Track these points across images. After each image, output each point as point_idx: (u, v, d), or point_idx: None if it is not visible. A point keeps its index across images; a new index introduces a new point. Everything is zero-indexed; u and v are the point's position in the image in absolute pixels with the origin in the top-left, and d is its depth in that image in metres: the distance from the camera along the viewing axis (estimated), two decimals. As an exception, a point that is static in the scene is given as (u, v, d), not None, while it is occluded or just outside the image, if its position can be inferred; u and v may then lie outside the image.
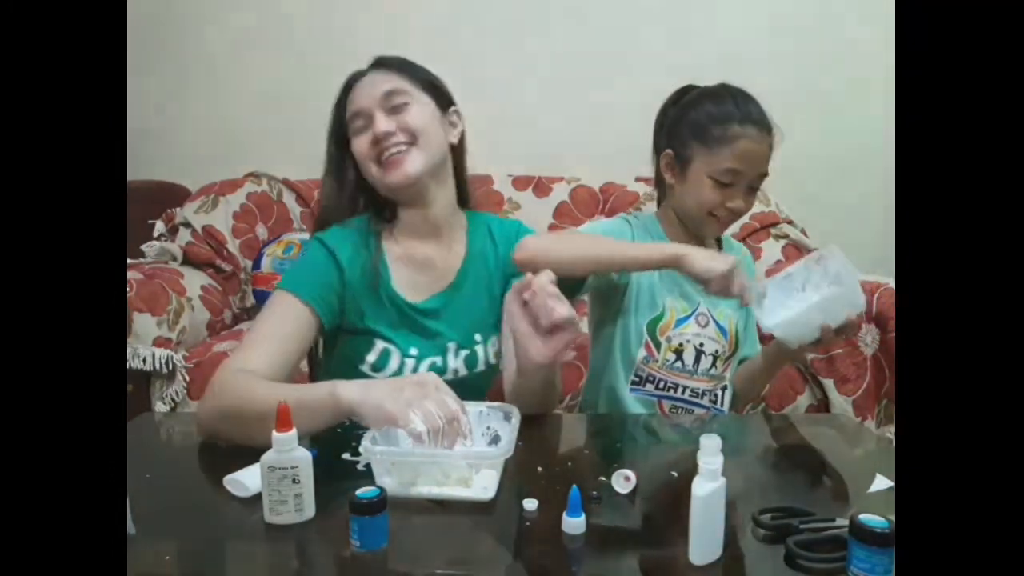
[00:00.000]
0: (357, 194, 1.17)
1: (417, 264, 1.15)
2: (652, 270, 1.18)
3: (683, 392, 1.24)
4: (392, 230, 1.16)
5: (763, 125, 1.16)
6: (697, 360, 1.23)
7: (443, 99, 1.18)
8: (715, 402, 1.26)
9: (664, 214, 1.28)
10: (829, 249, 1.05)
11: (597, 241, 1.17)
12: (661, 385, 1.23)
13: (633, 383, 1.24)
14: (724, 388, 1.27)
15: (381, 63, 1.17)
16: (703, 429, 1.12)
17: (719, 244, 1.32)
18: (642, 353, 1.23)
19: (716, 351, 1.24)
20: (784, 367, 1.30)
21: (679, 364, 1.23)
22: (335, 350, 1.14)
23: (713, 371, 1.24)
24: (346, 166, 1.16)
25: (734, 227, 2.15)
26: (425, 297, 1.14)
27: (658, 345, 1.23)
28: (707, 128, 1.16)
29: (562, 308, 0.91)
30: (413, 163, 1.10)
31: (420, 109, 1.13)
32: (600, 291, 1.27)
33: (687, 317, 1.24)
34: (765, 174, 1.18)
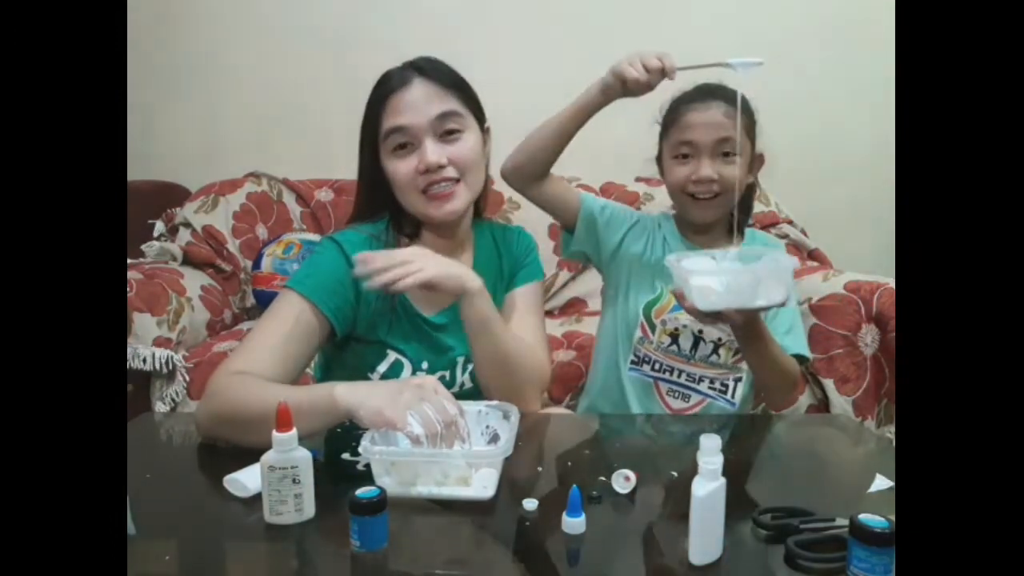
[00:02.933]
0: (388, 203, 1.11)
1: None
2: (603, 101, 1.14)
3: (679, 376, 1.25)
4: (409, 244, 1.13)
5: (709, 94, 1.19)
6: (695, 346, 1.24)
7: (483, 116, 1.12)
8: (724, 392, 1.24)
9: (678, 225, 1.32)
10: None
11: (546, 121, 1.17)
12: (657, 367, 1.25)
13: (632, 363, 1.26)
14: (739, 379, 1.25)
15: (428, 72, 1.06)
16: (703, 429, 1.11)
17: (741, 235, 1.30)
18: (638, 333, 1.26)
19: (719, 339, 1.24)
20: (753, 336, 1.14)
21: (675, 348, 1.24)
22: (342, 356, 1.12)
23: (715, 359, 1.24)
24: (380, 174, 1.08)
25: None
26: (436, 310, 1.13)
27: (653, 327, 1.25)
28: (664, 122, 1.26)
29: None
30: (460, 200, 1.06)
31: (472, 139, 1.07)
32: (594, 261, 1.32)
33: None
34: (728, 138, 1.17)
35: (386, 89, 1.06)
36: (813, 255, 2.20)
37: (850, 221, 2.45)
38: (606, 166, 2.36)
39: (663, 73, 1.05)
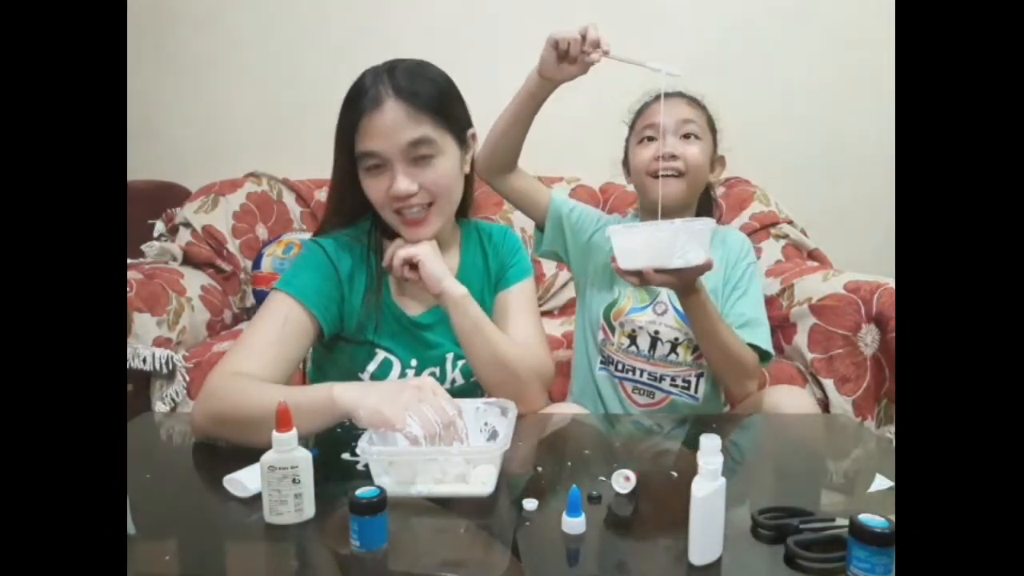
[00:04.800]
0: (365, 206, 1.10)
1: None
2: (541, 83, 1.18)
3: (641, 375, 1.29)
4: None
5: (674, 94, 1.28)
6: (653, 346, 1.28)
7: (464, 128, 1.09)
8: (687, 388, 1.28)
9: (641, 213, 1.39)
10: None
11: (503, 111, 1.24)
12: (620, 367, 1.30)
13: (601, 362, 1.32)
14: (700, 375, 1.28)
15: (402, 91, 1.00)
16: (704, 428, 1.11)
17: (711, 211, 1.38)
18: (600, 336, 1.31)
19: (676, 339, 1.27)
20: (694, 307, 1.16)
21: (634, 349, 1.29)
22: (333, 357, 1.13)
23: (673, 358, 1.27)
24: (355, 180, 1.07)
25: (735, 224, 2.17)
26: (423, 310, 1.14)
27: (613, 329, 1.30)
28: (632, 120, 1.35)
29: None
30: (431, 226, 1.07)
31: (446, 163, 1.04)
32: (564, 261, 1.37)
33: (645, 306, 1.29)
34: (691, 120, 1.27)
35: (358, 110, 1.01)
36: (813, 255, 2.20)
37: (850, 221, 2.45)
38: (606, 166, 2.37)
39: (597, 45, 1.09)
